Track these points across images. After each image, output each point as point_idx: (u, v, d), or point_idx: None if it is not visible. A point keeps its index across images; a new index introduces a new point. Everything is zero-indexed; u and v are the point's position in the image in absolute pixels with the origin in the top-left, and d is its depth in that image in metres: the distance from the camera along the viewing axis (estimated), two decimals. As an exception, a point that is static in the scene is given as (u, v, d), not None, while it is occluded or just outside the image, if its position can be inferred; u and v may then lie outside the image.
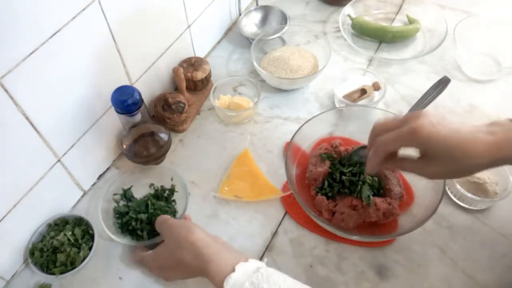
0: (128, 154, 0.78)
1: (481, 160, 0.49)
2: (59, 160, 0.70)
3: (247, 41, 1.03)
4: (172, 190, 0.74)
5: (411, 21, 1.04)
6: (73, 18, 0.61)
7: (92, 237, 0.70)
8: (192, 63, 0.92)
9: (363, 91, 0.86)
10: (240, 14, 1.06)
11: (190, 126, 0.89)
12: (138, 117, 0.74)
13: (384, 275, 0.66)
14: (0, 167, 0.60)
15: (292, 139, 0.74)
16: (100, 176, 0.81)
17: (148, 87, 0.85)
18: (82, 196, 0.78)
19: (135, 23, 0.74)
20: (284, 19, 1.04)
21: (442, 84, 0.81)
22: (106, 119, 0.76)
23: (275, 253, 0.70)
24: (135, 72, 0.79)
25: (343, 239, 0.69)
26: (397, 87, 0.93)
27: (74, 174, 0.74)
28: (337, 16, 1.08)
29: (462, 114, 0.85)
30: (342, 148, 0.77)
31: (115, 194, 0.73)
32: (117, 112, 0.72)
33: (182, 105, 0.84)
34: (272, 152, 0.83)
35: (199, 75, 0.90)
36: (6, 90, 0.55)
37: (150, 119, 0.79)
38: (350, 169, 0.72)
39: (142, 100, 0.73)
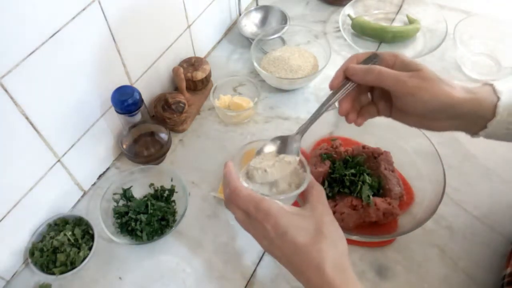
0: (128, 154, 0.78)
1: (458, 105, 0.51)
2: (59, 160, 0.70)
3: (247, 41, 1.03)
4: (172, 190, 0.74)
5: (411, 21, 1.04)
6: (73, 18, 0.61)
7: (92, 237, 0.70)
8: (192, 63, 0.92)
9: (363, 91, 0.86)
10: (240, 14, 1.06)
11: (190, 126, 0.89)
12: (138, 117, 0.74)
13: (384, 275, 0.66)
14: (0, 167, 0.60)
15: (292, 139, 0.74)
16: (100, 176, 0.81)
17: (148, 87, 0.85)
18: (82, 196, 0.78)
19: (135, 23, 0.74)
20: (284, 19, 1.04)
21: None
22: (106, 119, 0.76)
23: (275, 253, 0.70)
24: (135, 72, 0.79)
25: (343, 239, 0.69)
26: (397, 87, 0.93)
27: (74, 174, 0.74)
28: (337, 16, 1.08)
29: (462, 114, 0.85)
30: (342, 149, 0.77)
31: (115, 194, 0.74)
32: (117, 112, 0.72)
33: (182, 105, 0.84)
34: (272, 152, 0.83)
35: (199, 75, 0.90)
36: (6, 90, 0.55)
37: (150, 119, 0.79)
38: (350, 170, 0.73)
39: (142, 100, 0.73)
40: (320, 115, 0.58)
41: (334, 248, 0.48)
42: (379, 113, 0.59)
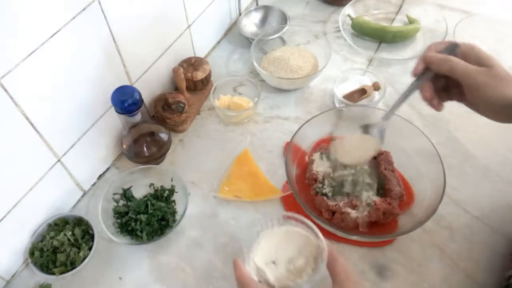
0: (128, 154, 0.78)
1: None
2: (59, 160, 0.70)
3: (247, 41, 1.03)
4: (172, 190, 0.74)
5: (411, 21, 1.04)
6: (73, 18, 0.61)
7: (92, 237, 0.70)
8: (192, 63, 0.92)
9: (363, 91, 0.86)
10: (240, 14, 1.06)
11: (190, 126, 0.89)
12: (138, 117, 0.74)
13: (384, 275, 0.66)
14: (0, 167, 0.60)
15: (292, 139, 0.74)
16: (100, 176, 0.81)
17: (148, 87, 0.85)
18: (82, 196, 0.78)
19: (135, 23, 0.74)
20: (284, 19, 1.04)
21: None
22: (106, 119, 0.76)
23: (275, 253, 0.70)
24: (135, 72, 0.79)
25: (343, 239, 0.69)
26: (397, 87, 0.93)
27: (74, 174, 0.74)
28: (337, 16, 1.08)
29: (462, 114, 0.85)
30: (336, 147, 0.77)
31: (115, 194, 0.73)
32: (117, 112, 0.72)
33: (182, 105, 0.84)
34: (272, 152, 0.83)
35: (199, 75, 0.90)
36: (6, 90, 0.55)
37: (150, 119, 0.79)
38: (350, 170, 0.73)
39: (142, 100, 0.73)
40: (404, 101, 0.62)
41: None
42: (452, 99, 0.61)
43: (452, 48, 0.58)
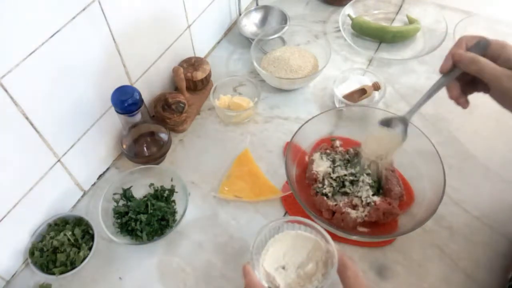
0: (128, 154, 0.78)
1: None
2: (59, 160, 0.70)
3: (247, 41, 1.03)
4: (172, 190, 0.74)
5: (411, 21, 1.04)
6: (73, 18, 0.61)
7: (92, 237, 0.70)
8: (192, 63, 0.92)
9: (363, 91, 0.86)
10: (240, 14, 1.06)
11: (190, 126, 0.89)
12: (138, 117, 0.74)
13: (384, 275, 0.66)
14: (0, 167, 0.60)
15: (292, 139, 0.74)
16: (100, 176, 0.81)
17: (148, 87, 0.85)
18: (82, 196, 0.78)
19: (135, 23, 0.74)
20: (284, 19, 1.04)
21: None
22: (106, 119, 0.76)
23: (275, 253, 0.70)
24: (135, 72, 0.79)
25: (343, 239, 0.69)
26: (397, 87, 0.93)
27: (74, 174, 0.74)
28: (337, 16, 1.08)
29: (462, 114, 0.85)
30: (342, 149, 0.77)
31: (115, 194, 0.74)
32: (117, 112, 0.72)
33: (182, 105, 0.84)
34: (272, 152, 0.83)
35: (199, 75, 0.90)
36: (6, 90, 0.55)
37: (150, 119, 0.79)
38: (350, 170, 0.73)
39: (142, 100, 0.73)
40: (429, 98, 0.61)
41: None
42: (478, 91, 0.60)
43: (483, 46, 0.57)
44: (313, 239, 0.56)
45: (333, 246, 0.53)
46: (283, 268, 0.55)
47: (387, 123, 0.66)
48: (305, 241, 0.56)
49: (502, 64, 0.54)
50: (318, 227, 0.55)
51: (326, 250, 0.55)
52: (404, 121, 0.65)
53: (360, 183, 0.71)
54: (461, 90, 0.59)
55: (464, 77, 0.58)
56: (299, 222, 0.57)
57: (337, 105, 0.89)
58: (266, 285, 0.53)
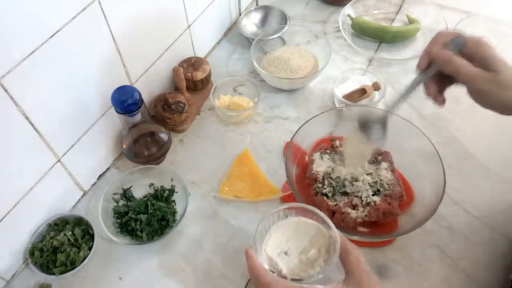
0: (128, 154, 0.78)
1: None
2: (59, 160, 0.70)
3: (247, 41, 1.03)
4: (172, 190, 0.74)
5: (411, 21, 1.04)
6: (73, 18, 0.61)
7: (92, 237, 0.70)
8: (192, 63, 0.92)
9: (363, 91, 0.86)
10: (240, 14, 1.06)
11: (190, 126, 0.88)
12: (138, 117, 0.74)
13: (384, 275, 0.66)
14: (0, 167, 0.60)
15: (292, 139, 0.74)
16: (100, 176, 0.81)
17: (148, 87, 0.85)
18: (82, 196, 0.78)
19: (135, 23, 0.74)
20: (284, 19, 1.04)
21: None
22: (106, 119, 0.76)
23: (275, 253, 0.70)
24: (135, 72, 0.79)
25: (343, 239, 0.69)
26: (397, 87, 0.93)
27: (74, 174, 0.74)
28: (337, 16, 1.08)
29: (462, 114, 0.85)
30: (342, 149, 0.77)
31: (115, 194, 0.74)
32: (117, 112, 0.72)
33: (182, 105, 0.84)
34: (272, 152, 0.83)
35: (199, 75, 0.90)
36: (6, 90, 0.55)
37: (150, 119, 0.79)
38: (350, 170, 0.73)
39: (142, 100, 0.73)
40: (407, 96, 0.60)
41: None
42: (456, 84, 0.59)
43: (459, 43, 0.56)
44: (315, 225, 0.56)
45: (336, 232, 0.53)
46: (286, 253, 0.55)
47: (365, 125, 0.66)
48: (307, 227, 0.56)
49: (477, 63, 0.54)
50: (321, 214, 0.55)
51: (328, 236, 0.55)
52: (382, 122, 0.65)
53: (360, 183, 0.71)
54: (439, 85, 0.59)
55: (441, 72, 0.58)
56: (302, 209, 0.57)
57: (337, 105, 0.89)
58: (268, 269, 0.53)
